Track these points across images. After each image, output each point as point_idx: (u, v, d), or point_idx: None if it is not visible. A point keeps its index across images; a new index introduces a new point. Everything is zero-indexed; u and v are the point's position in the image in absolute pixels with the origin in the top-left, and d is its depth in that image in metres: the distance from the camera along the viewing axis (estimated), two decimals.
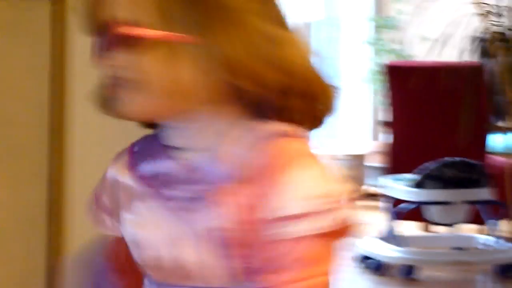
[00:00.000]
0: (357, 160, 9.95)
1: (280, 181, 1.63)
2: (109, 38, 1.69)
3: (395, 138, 7.32)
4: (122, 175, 1.86)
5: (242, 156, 1.72)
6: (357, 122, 11.15)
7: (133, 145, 1.91)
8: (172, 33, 1.68)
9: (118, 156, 1.92)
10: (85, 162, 4.23)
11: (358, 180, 9.81)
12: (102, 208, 1.88)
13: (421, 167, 6.60)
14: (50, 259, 4.18)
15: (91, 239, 2.02)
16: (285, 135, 1.68)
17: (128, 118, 1.74)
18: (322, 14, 11.31)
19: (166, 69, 1.69)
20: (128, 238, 1.85)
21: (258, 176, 1.67)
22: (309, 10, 10.73)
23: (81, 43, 3.82)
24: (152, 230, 1.83)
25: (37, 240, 4.17)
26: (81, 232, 3.89)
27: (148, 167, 1.85)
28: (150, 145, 1.88)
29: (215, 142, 1.75)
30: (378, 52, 10.87)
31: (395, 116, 7.33)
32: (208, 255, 1.74)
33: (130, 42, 1.71)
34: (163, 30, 1.69)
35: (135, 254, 1.83)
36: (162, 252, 1.80)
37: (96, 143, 4.25)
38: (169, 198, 1.79)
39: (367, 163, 10.09)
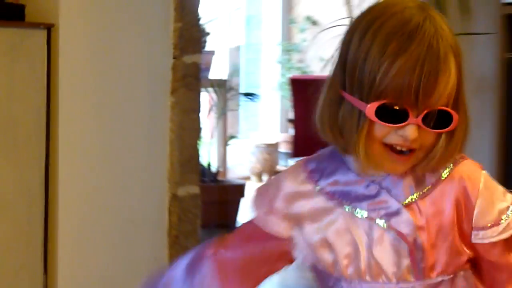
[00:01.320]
0: (272, 147, 10.28)
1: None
2: (427, 120, 1.69)
3: (296, 132, 7.89)
4: (303, 189, 1.85)
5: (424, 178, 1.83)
6: (272, 120, 11.32)
7: (306, 163, 1.92)
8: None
9: (293, 171, 1.92)
10: (70, 152, 3.91)
11: (273, 161, 10.22)
12: (273, 211, 1.86)
13: (318, 152, 7.05)
14: (46, 224, 3.86)
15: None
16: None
17: (394, 174, 1.78)
18: (244, 41, 11.51)
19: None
20: (316, 242, 1.84)
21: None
22: (235, 37, 11.13)
23: (67, 62, 3.91)
24: (345, 235, 1.82)
25: (36, 209, 3.80)
26: (68, 204, 4.02)
27: (330, 182, 1.84)
28: (328, 164, 1.89)
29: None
30: (286, 69, 11.08)
31: (296, 116, 7.93)
32: (400, 256, 1.79)
33: (440, 125, 1.72)
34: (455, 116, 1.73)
35: (325, 255, 1.84)
36: (359, 251, 1.80)
37: (78, 136, 3.98)
38: (358, 208, 1.80)
39: (279, 149, 10.41)
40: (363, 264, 1.79)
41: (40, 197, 3.96)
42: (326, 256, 1.82)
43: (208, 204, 4.89)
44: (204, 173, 5.13)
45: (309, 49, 10.50)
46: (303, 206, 1.84)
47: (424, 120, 1.66)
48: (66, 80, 3.96)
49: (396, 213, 1.78)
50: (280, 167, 10.33)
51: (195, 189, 4.79)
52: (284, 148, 10.54)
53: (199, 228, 4.91)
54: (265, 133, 11.37)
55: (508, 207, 1.80)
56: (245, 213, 5.84)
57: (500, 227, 1.78)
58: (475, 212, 1.77)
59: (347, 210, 1.80)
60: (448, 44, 1.69)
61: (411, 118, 1.65)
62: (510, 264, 1.87)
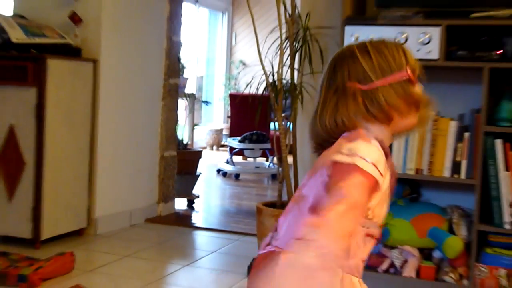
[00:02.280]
0: (218, 131, 10.11)
1: None
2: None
3: (231, 122, 7.99)
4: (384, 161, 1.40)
5: None
6: (219, 115, 11.10)
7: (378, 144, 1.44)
8: None
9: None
10: (104, 131, 4.10)
11: (219, 139, 10.22)
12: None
13: (243, 134, 7.31)
14: (90, 168, 4.03)
15: None
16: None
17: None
18: (205, 71, 10.70)
19: None
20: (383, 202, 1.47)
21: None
22: (200, 69, 10.32)
23: (103, 79, 4.06)
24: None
25: (84, 156, 3.98)
26: (102, 156, 4.16)
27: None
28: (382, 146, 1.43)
29: None
30: (228, 88, 10.70)
31: (231, 113, 7.98)
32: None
33: None
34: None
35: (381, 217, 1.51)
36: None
37: (110, 122, 4.15)
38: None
39: (223, 132, 10.08)
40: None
41: (86, 151, 4.00)
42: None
43: (181, 161, 4.88)
44: (179, 144, 5.21)
45: (240, 77, 10.57)
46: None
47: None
48: (103, 89, 4.07)
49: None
50: (223, 142, 9.96)
51: (173, 153, 4.85)
52: (225, 131, 9.99)
53: (175, 174, 4.91)
54: (214, 123, 10.84)
55: None
56: (200, 167, 5.76)
57: None
58: None
59: None
60: None
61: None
62: None
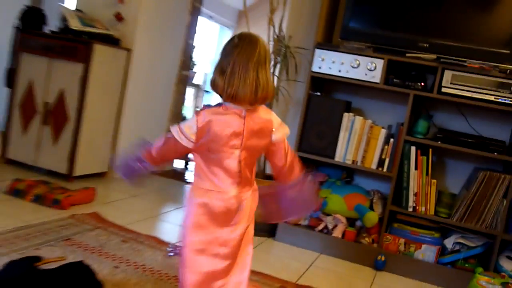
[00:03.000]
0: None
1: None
2: None
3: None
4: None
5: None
6: (216, 101, 10.19)
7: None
8: None
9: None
10: (131, 100, 4.05)
11: None
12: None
13: None
14: (115, 128, 4.01)
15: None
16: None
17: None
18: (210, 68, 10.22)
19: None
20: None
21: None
22: (207, 66, 9.86)
23: (134, 63, 4.04)
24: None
25: (111, 120, 4.00)
26: (128, 119, 4.09)
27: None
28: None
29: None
30: None
31: None
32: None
33: None
34: None
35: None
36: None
37: (136, 96, 4.12)
38: None
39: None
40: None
41: (114, 115, 3.97)
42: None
43: None
44: (183, 119, 5.04)
45: None
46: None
47: None
48: (132, 71, 4.03)
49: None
50: None
51: None
52: None
53: None
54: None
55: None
56: None
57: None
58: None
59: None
60: None
61: None
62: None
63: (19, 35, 3.76)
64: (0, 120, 4.09)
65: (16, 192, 3.08)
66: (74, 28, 3.64)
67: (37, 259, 2.05)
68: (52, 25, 4.00)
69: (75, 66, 3.61)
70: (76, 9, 3.98)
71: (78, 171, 3.72)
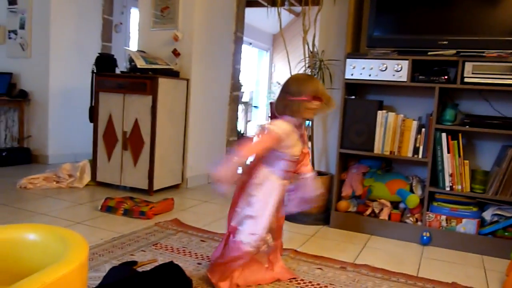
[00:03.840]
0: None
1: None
2: (316, 99, 1.77)
3: (271, 119, 7.27)
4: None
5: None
6: (263, 114, 9.79)
7: (285, 118, 1.81)
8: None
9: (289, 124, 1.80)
10: (193, 123, 4.02)
11: None
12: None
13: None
14: (183, 147, 3.98)
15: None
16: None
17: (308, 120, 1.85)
18: (255, 88, 10.10)
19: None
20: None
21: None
22: (253, 86, 9.71)
23: (192, 91, 4.01)
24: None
25: (180, 139, 3.94)
26: (192, 140, 4.03)
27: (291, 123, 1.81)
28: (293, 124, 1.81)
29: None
30: (270, 98, 9.39)
31: (271, 113, 7.24)
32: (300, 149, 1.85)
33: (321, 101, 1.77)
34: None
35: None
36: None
37: (196, 117, 4.09)
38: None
39: None
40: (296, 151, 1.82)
41: (181, 136, 3.94)
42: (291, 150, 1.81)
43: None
44: (238, 132, 5.02)
45: (277, 92, 10.08)
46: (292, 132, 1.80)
47: (318, 100, 1.78)
48: (192, 97, 4.01)
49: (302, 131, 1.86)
50: None
51: (235, 138, 4.72)
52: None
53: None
54: (260, 119, 9.78)
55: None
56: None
57: None
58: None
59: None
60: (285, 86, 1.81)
61: (315, 100, 1.76)
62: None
63: (96, 78, 3.84)
64: (89, 150, 4.17)
65: (108, 209, 3.12)
66: (140, 67, 3.68)
67: (134, 263, 2.08)
68: (122, 66, 4.12)
69: (145, 98, 3.63)
70: (139, 50, 4.03)
71: (157, 185, 3.73)
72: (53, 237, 1.15)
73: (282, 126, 1.78)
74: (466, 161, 2.82)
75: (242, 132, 5.93)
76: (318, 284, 2.05)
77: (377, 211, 3.04)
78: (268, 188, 1.84)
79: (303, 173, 1.94)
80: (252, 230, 1.81)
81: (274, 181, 1.84)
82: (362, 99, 3.30)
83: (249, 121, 8.22)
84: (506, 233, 2.74)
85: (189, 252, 2.41)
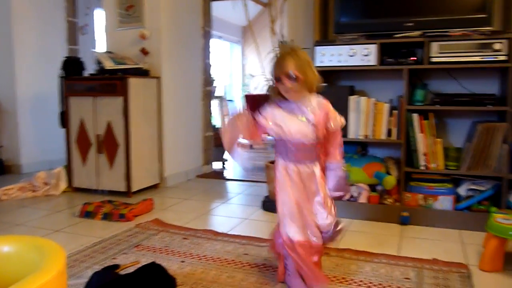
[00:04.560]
0: None
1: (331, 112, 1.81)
2: (285, 79, 1.74)
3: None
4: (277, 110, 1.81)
5: (316, 104, 1.80)
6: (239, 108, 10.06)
7: (277, 103, 1.83)
8: (302, 76, 1.72)
9: (272, 105, 1.83)
10: (167, 121, 3.99)
11: None
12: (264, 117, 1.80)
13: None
14: (159, 146, 3.96)
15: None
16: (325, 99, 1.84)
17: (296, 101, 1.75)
18: (229, 81, 9.81)
19: (300, 87, 1.74)
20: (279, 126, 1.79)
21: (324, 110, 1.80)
22: (226, 81, 9.40)
23: (164, 88, 3.98)
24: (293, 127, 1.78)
25: (155, 140, 3.91)
26: (167, 139, 3.99)
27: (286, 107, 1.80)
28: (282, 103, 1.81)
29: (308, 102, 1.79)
30: (244, 91, 9.42)
31: (247, 107, 7.19)
32: (310, 132, 1.77)
33: (294, 80, 1.72)
34: (300, 76, 1.72)
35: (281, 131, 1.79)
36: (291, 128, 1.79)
37: (170, 115, 4.06)
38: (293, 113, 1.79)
39: None
40: (293, 132, 1.77)
41: (156, 135, 3.91)
42: (282, 131, 1.79)
43: (215, 138, 4.47)
44: (213, 127, 4.91)
45: (250, 84, 9.57)
46: (277, 114, 1.79)
47: (287, 79, 1.74)
48: (164, 95, 3.98)
49: (307, 114, 1.80)
50: None
51: (210, 133, 4.71)
52: None
53: (212, 147, 4.77)
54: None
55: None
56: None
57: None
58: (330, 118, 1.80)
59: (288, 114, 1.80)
60: (291, 56, 1.76)
61: (283, 80, 1.73)
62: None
63: (65, 82, 3.78)
64: (64, 156, 4.11)
65: (87, 214, 3.08)
66: (109, 68, 3.63)
67: (116, 266, 2.06)
68: (90, 68, 4.01)
69: (116, 99, 3.59)
70: (107, 51, 3.97)
71: (135, 187, 3.70)
72: (28, 247, 1.13)
73: (266, 108, 1.82)
74: (439, 140, 2.86)
75: (216, 126, 5.92)
76: None
77: (355, 195, 3.05)
78: (279, 178, 1.84)
79: (327, 161, 1.88)
80: (287, 224, 1.79)
81: (281, 170, 1.84)
82: (334, 85, 3.31)
83: (226, 115, 8.16)
84: (481, 207, 2.79)
85: (172, 251, 2.39)
